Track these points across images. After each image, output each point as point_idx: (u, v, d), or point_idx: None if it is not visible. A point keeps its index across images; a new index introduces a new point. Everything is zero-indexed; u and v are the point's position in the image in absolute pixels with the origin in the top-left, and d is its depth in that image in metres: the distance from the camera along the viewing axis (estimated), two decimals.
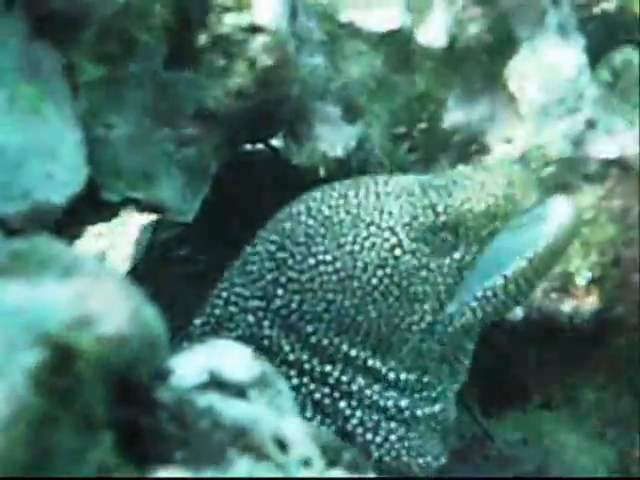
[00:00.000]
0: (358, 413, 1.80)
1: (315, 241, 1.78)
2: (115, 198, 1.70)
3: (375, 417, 1.81)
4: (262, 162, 2.14)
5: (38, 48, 1.44)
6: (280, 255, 1.80)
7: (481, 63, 2.10)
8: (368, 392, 1.80)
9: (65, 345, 0.71)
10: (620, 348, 2.33)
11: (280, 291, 1.79)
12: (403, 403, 1.82)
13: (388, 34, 2.04)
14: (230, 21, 1.72)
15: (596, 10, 2.27)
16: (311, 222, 1.80)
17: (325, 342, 1.78)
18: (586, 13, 2.26)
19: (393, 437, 1.82)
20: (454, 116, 2.17)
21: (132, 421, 0.81)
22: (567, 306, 2.22)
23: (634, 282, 2.21)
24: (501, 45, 2.11)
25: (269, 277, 1.80)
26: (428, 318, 1.78)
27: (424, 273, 1.77)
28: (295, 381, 1.79)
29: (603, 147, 2.19)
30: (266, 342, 1.80)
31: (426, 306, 1.77)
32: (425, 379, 1.83)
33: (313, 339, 1.78)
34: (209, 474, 0.84)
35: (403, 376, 1.81)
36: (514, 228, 1.82)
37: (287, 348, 1.79)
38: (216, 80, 1.73)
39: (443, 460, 1.89)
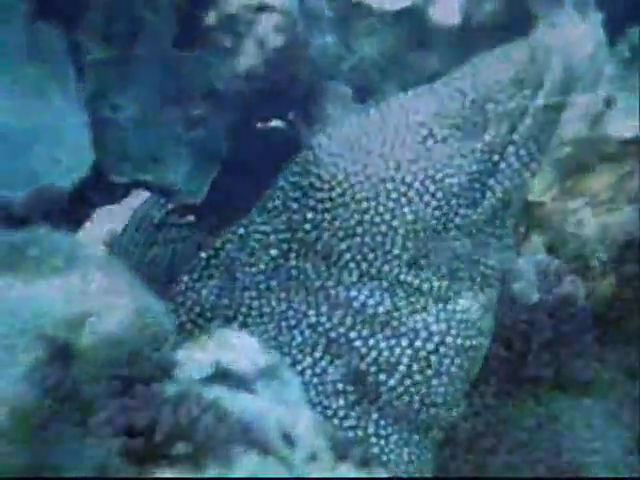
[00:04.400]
0: (373, 353, 1.65)
1: (343, 156, 1.68)
2: (123, 180, 1.68)
3: (392, 358, 1.64)
4: (275, 141, 2.11)
5: (42, 28, 1.42)
6: (305, 182, 1.70)
7: (496, 41, 2.06)
8: (395, 322, 1.63)
9: (63, 344, 0.69)
10: (635, 329, 2.30)
11: (310, 214, 1.69)
12: (435, 328, 1.65)
13: (401, 12, 2.00)
14: (239, 0, 1.69)
15: None
16: (334, 145, 1.70)
17: (358, 259, 1.66)
18: None
19: (408, 381, 1.67)
20: None
21: (133, 417, 0.79)
22: (582, 288, 2.19)
23: None
24: (517, 22, 2.07)
25: (295, 206, 1.70)
26: (462, 212, 1.65)
27: (458, 161, 1.65)
28: (313, 319, 1.67)
29: (621, 126, 2.15)
30: (293, 272, 1.69)
31: (461, 200, 1.64)
32: (456, 285, 1.67)
33: (345, 259, 1.67)
34: (213, 471, 0.82)
35: (436, 284, 1.66)
36: None
37: (313, 276, 1.68)
38: (225, 60, 1.70)
39: (460, 409, 1.73)
